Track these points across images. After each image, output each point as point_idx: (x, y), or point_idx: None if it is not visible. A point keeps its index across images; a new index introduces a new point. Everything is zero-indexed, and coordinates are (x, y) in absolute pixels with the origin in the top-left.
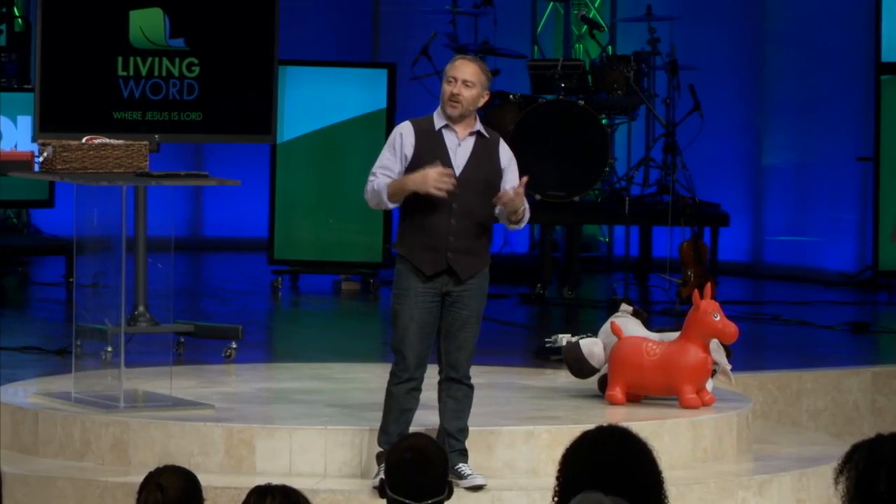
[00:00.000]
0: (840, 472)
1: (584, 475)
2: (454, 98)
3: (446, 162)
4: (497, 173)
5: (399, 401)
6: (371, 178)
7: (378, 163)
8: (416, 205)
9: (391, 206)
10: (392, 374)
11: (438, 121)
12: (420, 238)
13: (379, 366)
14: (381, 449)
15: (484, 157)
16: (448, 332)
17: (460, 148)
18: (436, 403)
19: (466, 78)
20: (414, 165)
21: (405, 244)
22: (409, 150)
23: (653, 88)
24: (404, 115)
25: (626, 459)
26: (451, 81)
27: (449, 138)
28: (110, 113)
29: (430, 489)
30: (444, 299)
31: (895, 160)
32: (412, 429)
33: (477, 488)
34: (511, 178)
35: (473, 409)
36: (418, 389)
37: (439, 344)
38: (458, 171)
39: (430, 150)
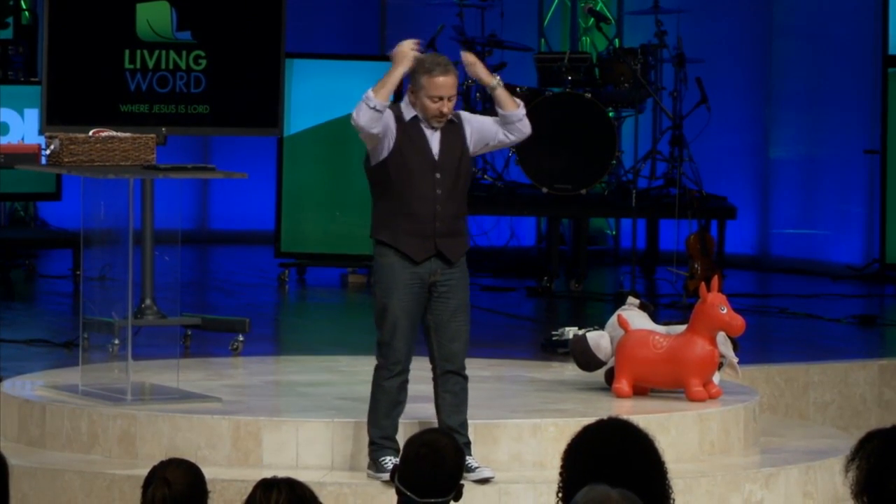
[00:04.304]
0: (851, 460)
1: (586, 469)
2: (443, 116)
3: (426, 150)
4: (466, 151)
5: (392, 395)
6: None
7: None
8: (398, 192)
9: (380, 105)
10: (382, 368)
11: (408, 112)
12: (405, 225)
13: None
14: (376, 443)
15: (454, 140)
16: (438, 325)
17: (433, 136)
18: (423, 394)
19: (452, 94)
20: (396, 153)
21: (388, 231)
22: (392, 124)
23: (660, 81)
24: None
25: (627, 451)
26: (436, 100)
27: (424, 127)
28: (117, 106)
29: (436, 488)
30: (431, 291)
31: None
32: (410, 422)
33: (484, 481)
34: (481, 120)
35: (480, 403)
36: (408, 381)
37: (429, 339)
38: (437, 158)
39: (409, 137)
